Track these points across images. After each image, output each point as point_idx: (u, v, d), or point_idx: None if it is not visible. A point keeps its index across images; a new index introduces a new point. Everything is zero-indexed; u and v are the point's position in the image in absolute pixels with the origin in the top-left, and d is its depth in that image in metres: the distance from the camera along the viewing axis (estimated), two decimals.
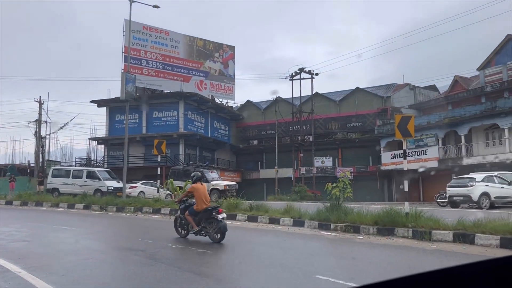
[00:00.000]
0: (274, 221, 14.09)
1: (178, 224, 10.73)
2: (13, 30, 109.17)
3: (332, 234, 11.51)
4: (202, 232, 10.02)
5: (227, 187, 24.93)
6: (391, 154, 35.55)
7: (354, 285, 5.80)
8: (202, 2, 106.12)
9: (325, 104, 43.45)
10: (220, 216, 9.84)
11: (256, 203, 16.39)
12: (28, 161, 37.92)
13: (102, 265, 7.84)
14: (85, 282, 6.24)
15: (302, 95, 40.82)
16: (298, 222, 13.31)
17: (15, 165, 38.13)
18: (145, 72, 39.12)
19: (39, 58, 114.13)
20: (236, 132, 47.32)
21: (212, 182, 25.20)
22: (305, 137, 41.58)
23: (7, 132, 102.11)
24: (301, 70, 40.14)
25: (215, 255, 8.51)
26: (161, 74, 40.18)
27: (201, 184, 10.64)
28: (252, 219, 14.74)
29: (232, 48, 46.84)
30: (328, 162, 41.27)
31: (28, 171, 35.91)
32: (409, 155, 26.90)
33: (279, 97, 43.76)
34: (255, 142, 46.31)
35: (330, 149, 42.10)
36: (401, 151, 19.17)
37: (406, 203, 11.72)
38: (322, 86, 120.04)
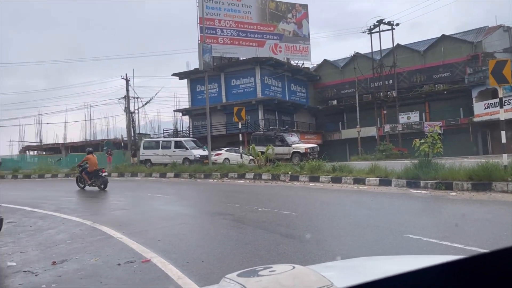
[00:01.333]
0: (359, 181, 13.81)
1: (78, 180, 17.02)
2: (92, 13, 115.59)
3: (422, 192, 11.02)
4: (93, 184, 16.19)
5: (308, 150, 24.78)
6: (485, 104, 32.79)
7: (448, 243, 5.50)
8: None
9: (408, 56, 40.89)
10: (103, 174, 16.15)
11: (339, 164, 16.15)
12: (121, 136, 40.65)
13: (194, 229, 8.27)
14: (180, 245, 6.61)
15: (382, 48, 38.74)
16: (385, 181, 12.93)
17: (110, 140, 41.15)
18: (221, 41, 39.53)
19: (121, 38, 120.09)
20: (314, 93, 46.52)
21: (292, 146, 25.19)
22: (388, 92, 39.71)
23: (101, 109, 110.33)
24: (380, 22, 37.94)
25: (301, 217, 8.56)
26: (236, 42, 40.37)
27: (93, 155, 17.07)
28: (335, 180, 14.58)
29: (305, 6, 45.48)
30: (414, 117, 39.17)
31: (122, 144, 38.58)
32: (506, 103, 24.64)
33: (357, 53, 42.00)
34: (335, 102, 45.24)
35: (416, 104, 39.85)
36: (497, 100, 17.60)
37: (504, 155, 10.82)
38: (404, 37, 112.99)
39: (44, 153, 45.53)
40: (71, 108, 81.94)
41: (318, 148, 26.32)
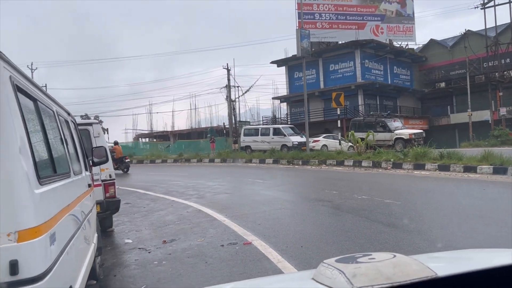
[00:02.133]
0: (469, 169, 12.82)
1: None
2: (194, 7, 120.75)
3: None
4: (118, 168, 19.26)
5: (413, 136, 23.52)
6: None
7: None
8: None
9: None
10: (126, 160, 20.87)
11: (447, 151, 15.13)
12: (224, 123, 42.32)
13: (293, 215, 8.36)
14: (279, 230, 6.74)
15: (497, 24, 35.09)
16: (500, 170, 11.84)
17: (213, 127, 43.07)
18: (319, 25, 38.92)
19: (222, 29, 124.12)
20: (419, 75, 43.77)
21: (395, 132, 24.12)
22: (505, 72, 35.94)
23: (204, 98, 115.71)
24: None
25: (404, 206, 8.20)
26: (334, 25, 39.46)
27: (118, 145, 21.85)
28: (443, 168, 13.68)
29: None
30: None
31: (224, 132, 40.17)
32: None
33: (468, 30, 38.56)
34: (442, 84, 42.13)
35: None
36: None
37: None
38: None
39: (154, 140, 49.22)
40: (178, 98, 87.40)
41: (424, 134, 24.86)
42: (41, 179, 2.18)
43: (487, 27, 35.20)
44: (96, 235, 4.58)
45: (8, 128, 1.90)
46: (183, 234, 6.80)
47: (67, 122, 4.00)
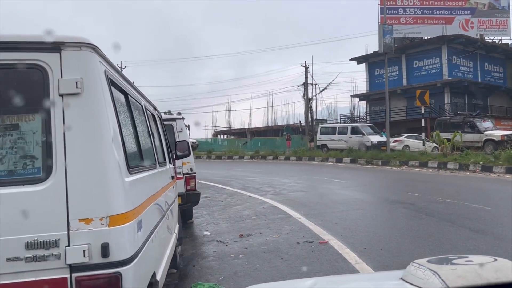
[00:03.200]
0: None
1: None
2: (272, 7, 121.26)
3: None
4: None
5: (505, 137, 21.71)
6: None
7: None
8: None
9: None
10: None
11: None
12: (300, 121, 42.09)
13: (371, 216, 8.09)
14: (357, 230, 6.56)
15: None
16: None
17: (289, 125, 43.03)
18: (402, 21, 37.28)
19: (300, 26, 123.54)
20: None
21: (485, 132, 22.44)
22: None
23: (281, 96, 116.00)
24: None
25: (494, 212, 7.59)
26: (419, 20, 37.54)
27: None
28: None
29: None
30: None
31: (300, 130, 39.99)
32: None
33: None
34: None
35: None
36: None
37: None
38: None
39: (232, 136, 50.36)
40: (255, 95, 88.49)
41: None
42: (131, 168, 2.30)
43: None
44: (177, 225, 4.77)
45: (103, 118, 2.02)
46: (259, 229, 6.87)
47: (153, 116, 4.20)
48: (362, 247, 5.47)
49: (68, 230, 1.87)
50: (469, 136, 22.06)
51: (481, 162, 14.95)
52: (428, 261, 1.06)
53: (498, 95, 38.42)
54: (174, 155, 5.25)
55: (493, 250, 5.13)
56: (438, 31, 36.34)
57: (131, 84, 3.06)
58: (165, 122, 5.98)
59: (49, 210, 1.88)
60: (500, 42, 39.49)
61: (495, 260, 1.01)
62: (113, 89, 2.27)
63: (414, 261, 1.10)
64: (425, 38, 37.45)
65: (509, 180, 12.38)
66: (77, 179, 1.92)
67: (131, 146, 2.59)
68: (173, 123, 7.18)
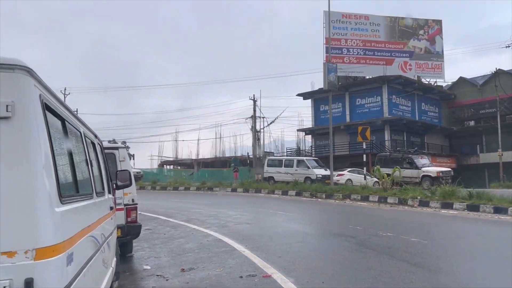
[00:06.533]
0: (500, 210, 12.38)
1: None
2: (222, 39, 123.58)
3: None
4: None
5: (441, 174, 22.99)
6: None
7: None
8: None
9: None
10: None
11: (476, 191, 14.65)
12: (248, 153, 42.37)
13: (314, 249, 8.15)
14: (300, 264, 6.56)
15: None
16: None
17: (237, 157, 43.11)
18: (346, 60, 39.13)
19: (249, 60, 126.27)
20: (448, 113, 43.11)
21: (422, 169, 23.65)
22: None
23: (229, 128, 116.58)
24: None
25: (431, 246, 7.89)
26: (362, 60, 39.60)
27: None
28: (472, 208, 13.23)
29: (438, 22, 42.81)
30: None
31: (248, 162, 40.16)
32: None
33: (499, 69, 37.98)
34: (472, 123, 41.35)
35: None
36: None
37: None
38: None
39: (179, 167, 49.56)
40: (204, 126, 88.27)
41: (452, 173, 24.29)
42: (63, 197, 2.17)
43: None
44: (115, 259, 4.54)
45: (33, 144, 1.91)
46: (202, 262, 6.69)
47: (93, 144, 4.05)
48: (304, 280, 5.45)
49: None
50: (408, 172, 23.12)
51: (418, 197, 15.61)
52: None
53: (434, 133, 40.85)
54: (114, 185, 5.05)
55: (429, 282, 5.29)
56: (379, 72, 38.46)
57: (70, 110, 2.93)
58: (106, 151, 5.78)
59: None
60: (435, 84, 42.31)
61: None
62: (48, 114, 2.16)
63: None
64: (367, 77, 39.47)
65: (445, 214, 12.99)
66: (2, 208, 1.78)
67: (65, 175, 2.46)
68: (115, 151, 6.95)
